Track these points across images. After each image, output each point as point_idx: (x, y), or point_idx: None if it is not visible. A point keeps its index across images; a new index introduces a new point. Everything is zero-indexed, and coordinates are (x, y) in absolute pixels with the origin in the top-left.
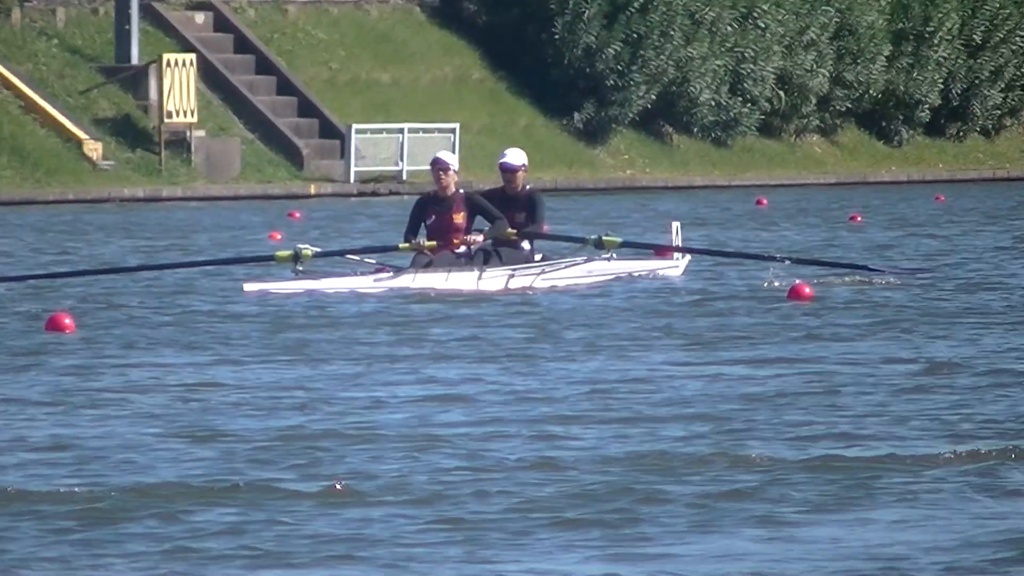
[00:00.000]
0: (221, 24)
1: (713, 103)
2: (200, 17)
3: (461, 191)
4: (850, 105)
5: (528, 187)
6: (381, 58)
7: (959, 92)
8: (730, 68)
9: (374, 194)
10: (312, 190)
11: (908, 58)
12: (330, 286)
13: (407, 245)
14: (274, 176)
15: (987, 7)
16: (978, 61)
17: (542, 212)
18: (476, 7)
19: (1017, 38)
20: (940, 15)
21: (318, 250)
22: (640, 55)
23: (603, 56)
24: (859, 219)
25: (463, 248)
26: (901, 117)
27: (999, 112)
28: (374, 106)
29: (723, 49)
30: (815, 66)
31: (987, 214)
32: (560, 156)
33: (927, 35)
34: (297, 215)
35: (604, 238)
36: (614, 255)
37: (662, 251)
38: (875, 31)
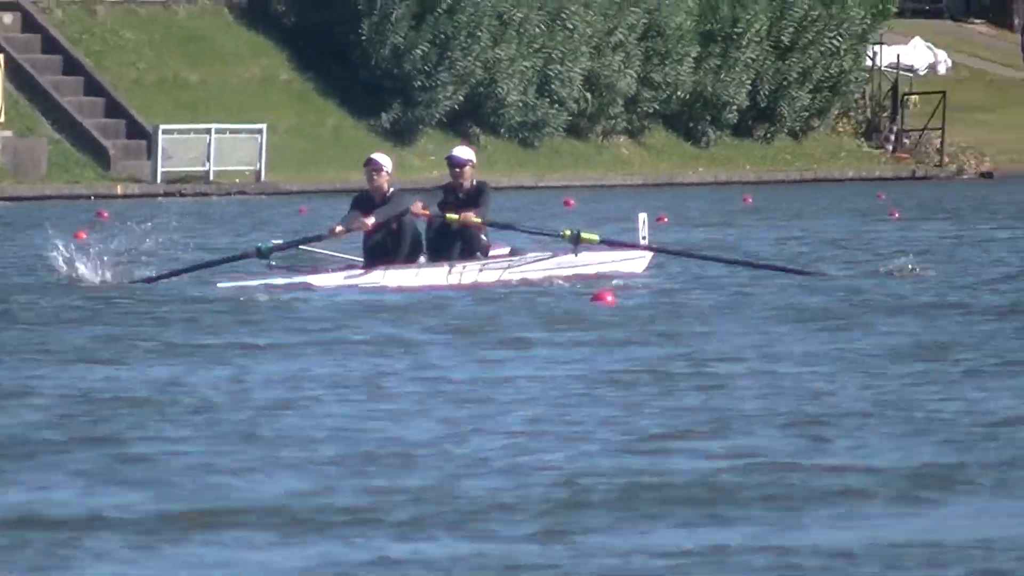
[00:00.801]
0: (29, 24)
1: (521, 104)
2: (8, 17)
3: (391, 189)
4: (658, 106)
5: (475, 181)
6: (189, 58)
7: (767, 93)
8: (538, 69)
9: (180, 194)
10: (119, 190)
11: (716, 59)
12: (303, 281)
13: (341, 228)
14: (81, 176)
15: (795, 9)
16: (786, 63)
17: (484, 201)
18: (284, 8)
19: (825, 40)
20: (748, 17)
21: (279, 242)
22: (448, 56)
23: (410, 57)
24: (665, 219)
25: (369, 224)
26: (709, 118)
27: (807, 113)
28: (182, 106)
29: (531, 50)
30: (623, 67)
31: (793, 214)
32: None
33: (735, 36)
34: (106, 215)
35: (582, 234)
36: (582, 250)
37: (632, 248)
38: (683, 32)
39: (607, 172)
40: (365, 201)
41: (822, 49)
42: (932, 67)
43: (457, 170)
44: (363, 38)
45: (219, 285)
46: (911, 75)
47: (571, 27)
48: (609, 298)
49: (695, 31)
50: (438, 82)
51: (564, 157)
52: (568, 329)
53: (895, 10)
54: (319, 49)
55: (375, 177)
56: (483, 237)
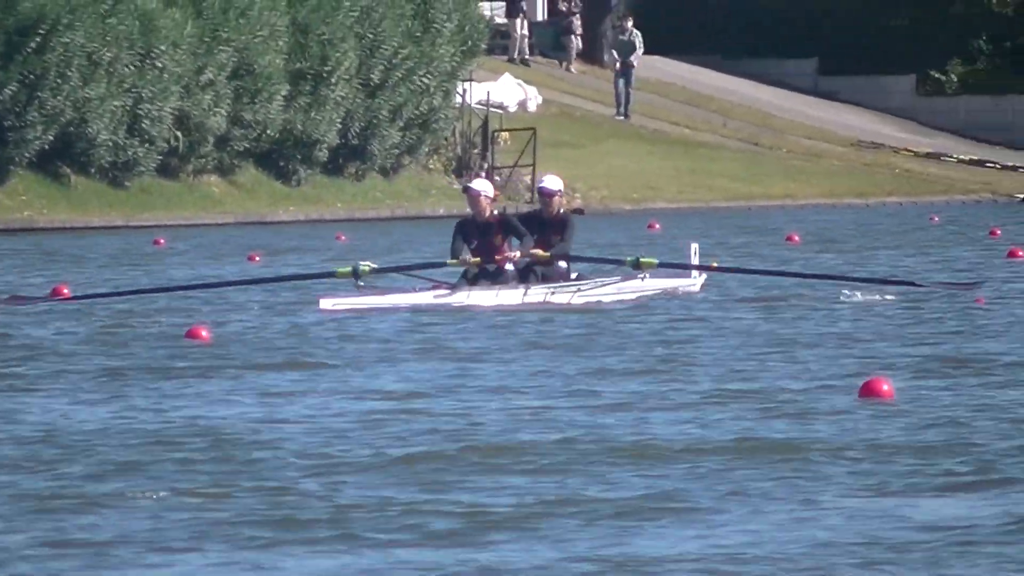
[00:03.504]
0: None
1: (111, 144)
2: None
3: (495, 212)
4: (248, 145)
5: (562, 211)
6: None
7: (357, 131)
8: (128, 108)
9: None
10: None
11: (306, 98)
12: (394, 302)
13: (455, 261)
14: None
15: (385, 47)
16: (376, 100)
17: (570, 234)
18: None
19: (416, 78)
20: (338, 55)
21: (376, 266)
22: (37, 95)
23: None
24: (257, 259)
25: (507, 265)
26: (299, 156)
27: (397, 151)
28: None
29: (121, 90)
30: (213, 106)
31: (385, 251)
32: None
33: (325, 75)
34: None
35: (641, 260)
36: (647, 275)
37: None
38: (273, 71)
39: (199, 211)
40: (470, 226)
41: (412, 87)
42: (523, 104)
43: (547, 199)
44: None
45: (321, 304)
46: (501, 112)
47: (160, 66)
48: (204, 333)
49: (285, 69)
50: (27, 122)
51: (155, 196)
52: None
53: (484, 47)
54: None
55: (477, 204)
56: (562, 265)
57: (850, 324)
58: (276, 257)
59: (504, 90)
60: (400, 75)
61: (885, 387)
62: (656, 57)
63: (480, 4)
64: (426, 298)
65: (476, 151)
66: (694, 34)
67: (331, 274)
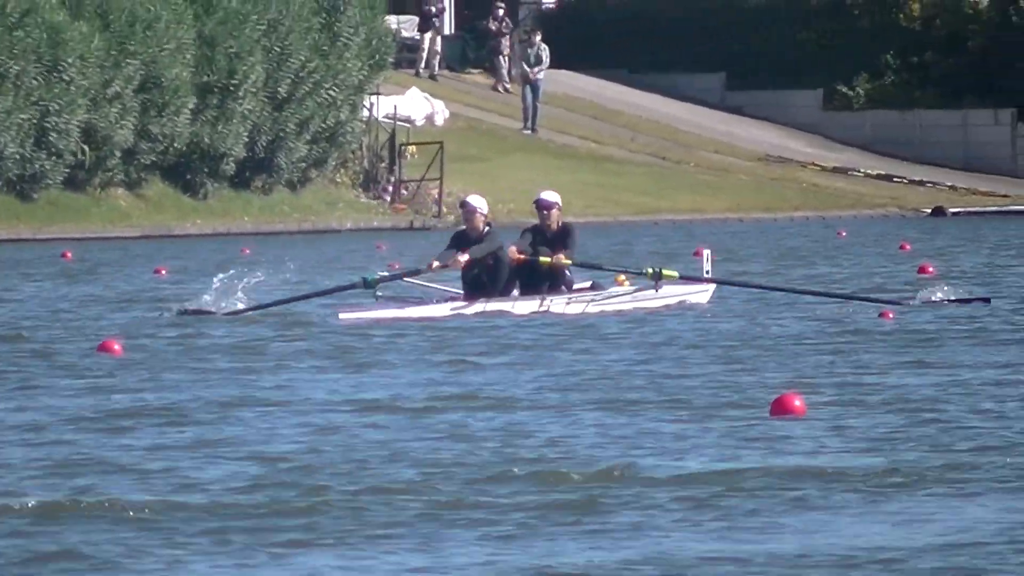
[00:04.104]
0: None
1: (18, 156)
2: None
3: (486, 228)
4: (155, 158)
5: (562, 223)
6: None
7: (264, 145)
8: (35, 121)
9: None
10: None
11: (213, 111)
12: (413, 313)
13: (438, 264)
14: None
15: (292, 60)
16: (283, 114)
17: (572, 243)
18: None
19: (323, 91)
20: (245, 68)
21: (385, 275)
22: None
23: None
24: (163, 273)
25: (462, 261)
26: (206, 170)
27: (304, 165)
28: None
29: (28, 102)
30: (120, 119)
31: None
32: None
33: (232, 88)
34: None
35: (663, 271)
36: (663, 285)
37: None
38: (180, 84)
39: (106, 224)
40: (462, 239)
41: (319, 100)
42: (430, 118)
43: (545, 212)
44: None
45: (341, 316)
46: (409, 126)
47: (68, 79)
48: (116, 347)
49: (192, 83)
50: None
51: (62, 209)
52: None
53: (392, 61)
54: None
55: (472, 219)
56: (567, 273)
57: (771, 340)
58: (182, 272)
59: (411, 104)
60: (307, 88)
61: (797, 403)
62: (564, 71)
63: (387, 18)
64: (443, 309)
65: (383, 165)
66: (602, 48)
67: (350, 287)
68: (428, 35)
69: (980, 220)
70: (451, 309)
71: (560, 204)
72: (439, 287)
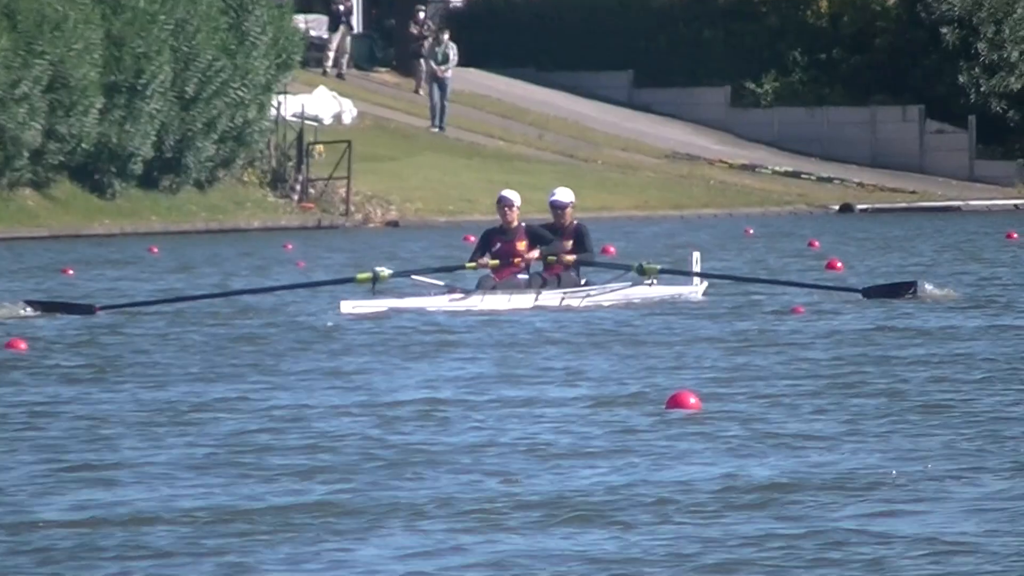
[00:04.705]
0: None
1: None
2: None
3: (522, 223)
4: (63, 158)
5: (575, 222)
6: None
7: (172, 144)
8: None
9: None
10: None
11: (121, 111)
12: (410, 304)
13: (472, 264)
14: None
15: (200, 60)
16: (191, 113)
17: (590, 242)
18: None
19: (230, 90)
20: (153, 68)
21: (392, 271)
22: None
23: None
24: (70, 271)
25: (523, 266)
26: (114, 170)
27: (212, 164)
28: None
29: None
30: (28, 119)
31: (205, 263)
32: None
33: (140, 88)
34: None
35: (645, 265)
36: (655, 281)
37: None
38: (88, 84)
39: (13, 224)
40: (496, 233)
41: (227, 100)
42: (338, 116)
43: (560, 211)
44: None
45: (342, 308)
46: (316, 124)
47: None
48: (21, 345)
49: (100, 83)
50: None
51: None
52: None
53: (299, 60)
54: None
55: (507, 212)
56: (573, 273)
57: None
58: (90, 269)
59: (319, 103)
60: (215, 88)
61: (692, 399)
62: (471, 70)
63: (295, 17)
64: (441, 302)
65: (291, 164)
66: (509, 47)
67: (351, 279)
68: (337, 34)
69: (888, 217)
70: (450, 300)
71: (574, 203)
72: (442, 284)
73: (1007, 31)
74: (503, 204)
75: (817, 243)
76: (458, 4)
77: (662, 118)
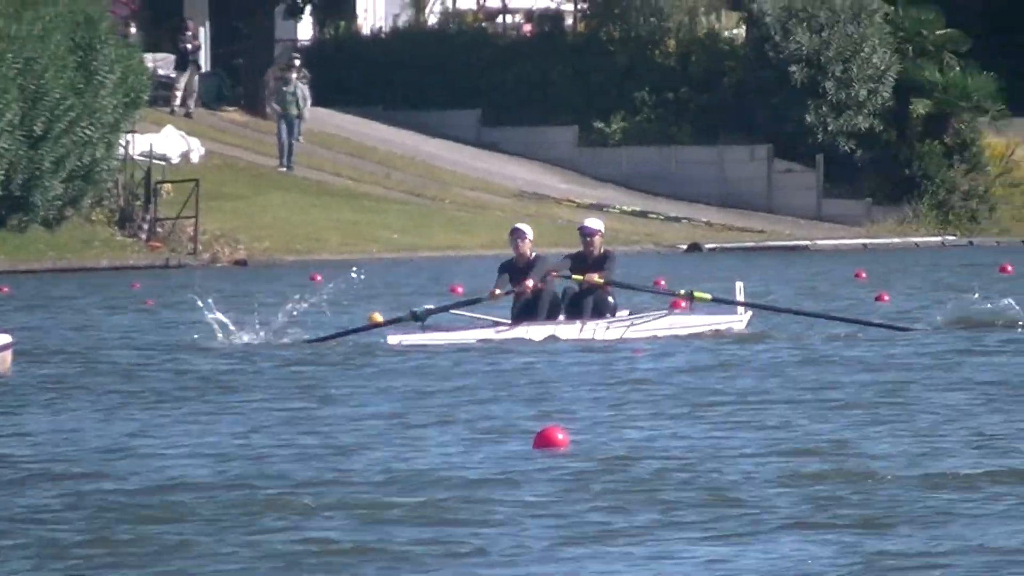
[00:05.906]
0: None
1: None
2: None
3: (534, 254)
4: None
5: (604, 250)
6: None
7: (20, 183)
8: None
9: None
10: None
11: None
12: (461, 338)
13: (501, 291)
14: None
15: (48, 98)
16: (39, 152)
17: (611, 266)
18: None
19: (79, 129)
20: (0, 106)
21: (431, 307)
22: None
23: None
24: None
25: (530, 296)
26: None
27: (60, 203)
28: None
29: None
30: None
31: (52, 301)
32: None
33: None
34: None
35: (696, 294)
36: (694, 309)
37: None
38: None
39: None
40: (511, 267)
41: (75, 138)
42: (186, 156)
43: (588, 239)
44: None
45: (389, 340)
46: (164, 164)
47: None
48: None
49: None
50: None
51: None
52: None
53: (147, 99)
54: None
55: (520, 244)
56: (610, 300)
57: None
58: None
59: (167, 142)
60: (63, 127)
61: (560, 436)
62: (320, 109)
63: (144, 56)
64: (489, 334)
65: (139, 203)
66: (357, 85)
67: (398, 320)
68: (185, 73)
69: (735, 256)
70: (496, 332)
71: (603, 231)
72: (486, 317)
73: (855, 69)
74: (515, 236)
75: (663, 282)
76: (306, 43)
77: (510, 157)
